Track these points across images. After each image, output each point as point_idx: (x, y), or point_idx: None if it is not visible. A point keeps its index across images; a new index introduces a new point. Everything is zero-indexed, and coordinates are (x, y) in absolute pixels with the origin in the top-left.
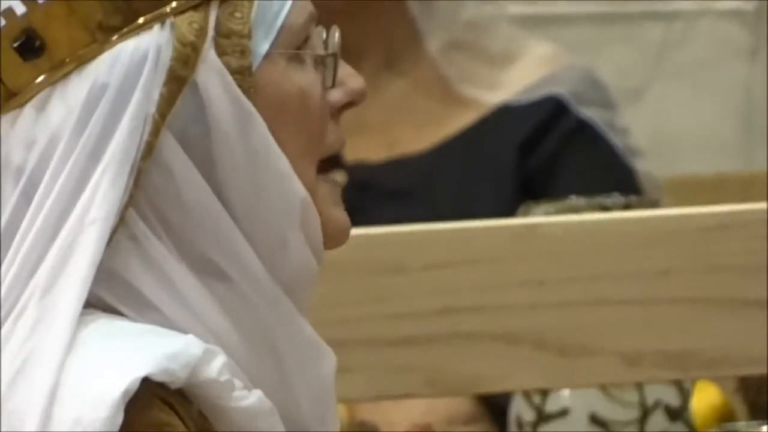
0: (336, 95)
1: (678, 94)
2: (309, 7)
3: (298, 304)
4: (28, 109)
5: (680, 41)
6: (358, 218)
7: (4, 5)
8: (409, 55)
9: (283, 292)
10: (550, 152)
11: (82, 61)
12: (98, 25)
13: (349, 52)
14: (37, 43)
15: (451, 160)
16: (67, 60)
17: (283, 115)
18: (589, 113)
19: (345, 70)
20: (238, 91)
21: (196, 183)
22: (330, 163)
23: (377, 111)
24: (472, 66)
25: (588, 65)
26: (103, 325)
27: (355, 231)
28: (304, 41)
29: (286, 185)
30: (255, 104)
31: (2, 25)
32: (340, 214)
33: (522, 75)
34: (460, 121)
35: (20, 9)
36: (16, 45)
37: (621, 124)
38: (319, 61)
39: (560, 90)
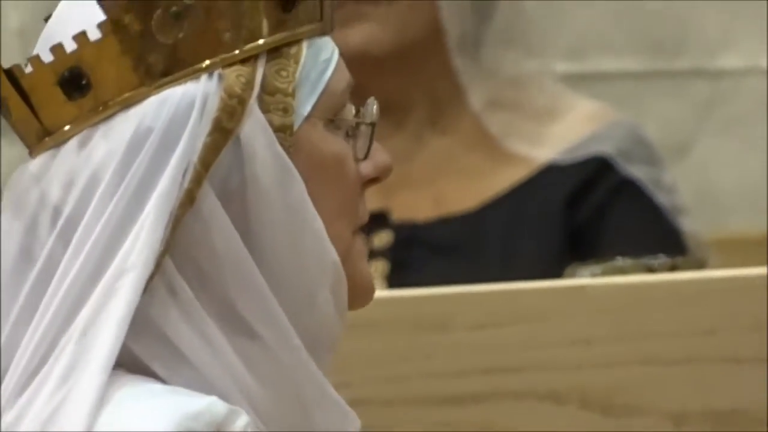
0: (365, 168)
1: (724, 150)
2: (347, 77)
3: (320, 364)
4: (69, 147)
5: (726, 98)
6: (406, 276)
7: (56, 40)
8: (453, 111)
9: (305, 351)
10: (597, 210)
11: (128, 103)
12: (147, 69)
13: (394, 108)
14: (84, 81)
15: (498, 217)
16: (112, 101)
17: (320, 177)
18: (635, 171)
19: (374, 146)
20: (280, 149)
21: (230, 236)
22: (378, 222)
23: (423, 168)
24: (516, 122)
25: (635, 121)
26: (131, 386)
27: (402, 290)
28: (341, 109)
29: (319, 246)
30: (294, 163)
31: (50, 60)
32: (367, 275)
33: (568, 132)
34: (506, 178)
35: (71, 46)
36: (61, 82)
37: (667, 181)
38: (351, 132)
39: (606, 147)
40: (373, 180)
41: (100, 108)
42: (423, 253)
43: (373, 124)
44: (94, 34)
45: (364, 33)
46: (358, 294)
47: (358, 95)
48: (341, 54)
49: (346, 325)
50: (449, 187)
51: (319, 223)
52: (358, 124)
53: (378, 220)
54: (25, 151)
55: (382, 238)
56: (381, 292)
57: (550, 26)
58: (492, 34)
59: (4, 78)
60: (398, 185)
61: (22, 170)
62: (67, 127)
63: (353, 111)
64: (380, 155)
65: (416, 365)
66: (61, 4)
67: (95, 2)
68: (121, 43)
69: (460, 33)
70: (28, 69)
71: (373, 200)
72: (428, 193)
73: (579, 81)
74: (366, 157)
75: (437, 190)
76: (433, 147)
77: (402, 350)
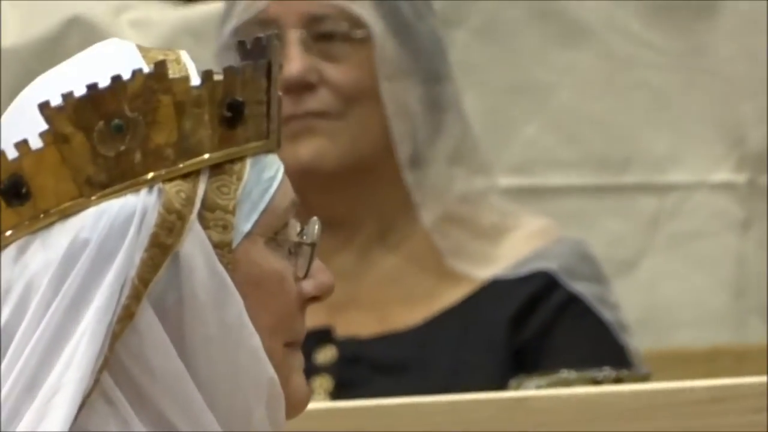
0: (306, 286)
1: (670, 266)
2: (291, 195)
3: None
4: (8, 254)
5: (673, 214)
6: (351, 393)
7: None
8: (402, 228)
9: None
10: (541, 326)
11: (66, 213)
12: (87, 180)
13: (343, 223)
14: (24, 189)
15: (443, 334)
16: (52, 211)
17: (257, 293)
18: (580, 287)
19: (316, 264)
20: (219, 266)
21: (166, 351)
22: (322, 337)
23: (369, 285)
24: (463, 240)
25: (580, 238)
26: None
27: (345, 403)
28: (283, 227)
29: (255, 362)
30: (233, 279)
31: None
32: (301, 384)
33: (513, 249)
34: (452, 295)
35: (13, 153)
36: (2, 189)
37: (612, 299)
38: (293, 251)
39: (551, 264)
40: (313, 299)
41: (40, 216)
42: (367, 369)
43: (313, 245)
44: (36, 142)
45: (314, 148)
46: (292, 405)
47: (306, 210)
48: (289, 169)
49: None
50: (394, 304)
51: (256, 341)
52: (299, 244)
53: (322, 336)
54: None
55: (327, 354)
56: (325, 404)
57: (497, 141)
58: (440, 151)
59: None
60: (343, 302)
61: None
62: (7, 233)
63: (297, 228)
64: (322, 274)
65: None
66: (24, 92)
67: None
68: (61, 153)
69: (410, 149)
70: None
71: (317, 316)
72: (373, 309)
73: (526, 195)
74: (306, 275)
75: (382, 307)
76: (380, 265)
77: None
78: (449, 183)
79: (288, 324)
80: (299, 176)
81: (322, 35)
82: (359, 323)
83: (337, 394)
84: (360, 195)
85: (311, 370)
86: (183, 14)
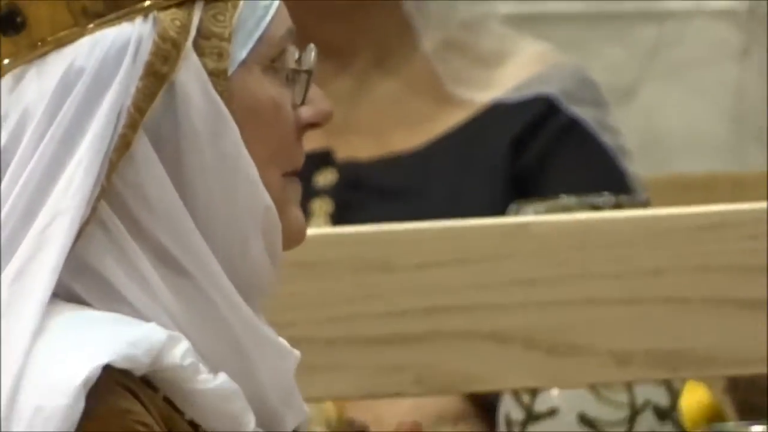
0: (304, 113)
1: (669, 93)
2: (288, 23)
3: (253, 307)
4: (4, 83)
5: (672, 41)
6: (349, 216)
7: None
8: (401, 54)
9: (237, 293)
10: (541, 151)
11: (61, 43)
12: (82, 9)
13: (341, 49)
14: (19, 19)
15: (442, 158)
16: (48, 39)
17: (254, 123)
18: (580, 112)
19: (314, 91)
20: (215, 93)
21: (162, 181)
22: (322, 160)
23: (368, 109)
24: (463, 65)
25: (579, 64)
26: (69, 315)
27: (345, 229)
28: (280, 54)
29: (252, 191)
30: (228, 108)
31: None
32: (298, 216)
33: (513, 74)
34: (452, 120)
35: None
36: None
37: (612, 123)
38: (291, 77)
39: (551, 89)
40: (311, 125)
41: (36, 45)
42: (367, 192)
43: (309, 72)
44: None
45: None
46: (289, 237)
47: (304, 38)
48: None
49: (281, 268)
50: (394, 128)
51: (252, 169)
52: (296, 71)
53: (321, 159)
54: None
55: (327, 177)
56: (324, 230)
57: None
58: None
59: None
60: (342, 126)
61: None
62: (5, 62)
63: (296, 56)
64: (320, 101)
65: (359, 304)
66: None
67: None
68: None
69: None
70: None
71: (316, 140)
72: (372, 133)
73: (524, 23)
74: (303, 102)
75: (381, 131)
76: (378, 89)
77: (345, 289)
78: (450, 8)
79: (285, 152)
80: (295, 4)
81: None
82: (359, 146)
83: (336, 216)
84: (358, 21)
85: (311, 193)
86: None
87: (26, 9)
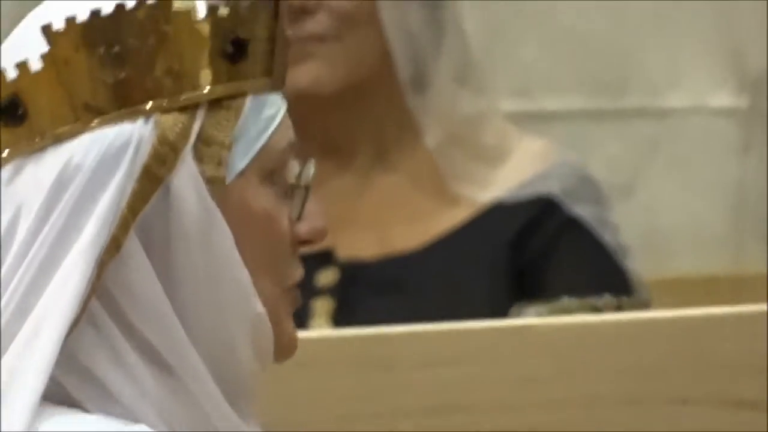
0: (301, 228)
1: (670, 190)
2: (290, 135)
3: (241, 413)
4: (3, 175)
5: (672, 138)
6: (351, 314)
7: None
8: (403, 149)
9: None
10: (542, 249)
11: (60, 138)
12: (84, 105)
13: (343, 145)
14: (20, 110)
15: (444, 256)
16: (47, 134)
17: (248, 231)
18: (581, 210)
19: (311, 207)
20: (210, 200)
21: (150, 280)
22: (324, 259)
23: (369, 206)
24: (465, 163)
25: (579, 161)
26: (59, 420)
27: (346, 329)
28: (280, 167)
29: (242, 298)
30: (223, 215)
31: None
32: (291, 331)
33: (514, 172)
34: (453, 218)
35: (12, 74)
36: None
37: (613, 221)
38: (290, 192)
39: (552, 187)
40: (305, 242)
41: (36, 139)
42: (368, 291)
43: (307, 187)
44: (36, 64)
45: (312, 73)
46: (280, 350)
47: (306, 132)
48: (287, 93)
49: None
50: (395, 226)
51: (244, 274)
52: (294, 185)
53: (323, 258)
54: None
55: (328, 276)
56: (326, 331)
57: (496, 64)
58: (443, 72)
59: None
60: (344, 223)
61: None
62: (4, 153)
63: (297, 170)
64: (316, 218)
65: (362, 404)
66: (28, 17)
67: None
68: (60, 76)
69: (412, 71)
70: None
71: None
72: (374, 231)
73: (525, 119)
74: (300, 218)
75: (383, 228)
76: (380, 185)
77: (347, 389)
78: (453, 104)
79: (280, 265)
80: (297, 100)
81: None
82: (360, 244)
83: (338, 314)
84: (359, 117)
85: (313, 292)
86: None
87: (28, 100)
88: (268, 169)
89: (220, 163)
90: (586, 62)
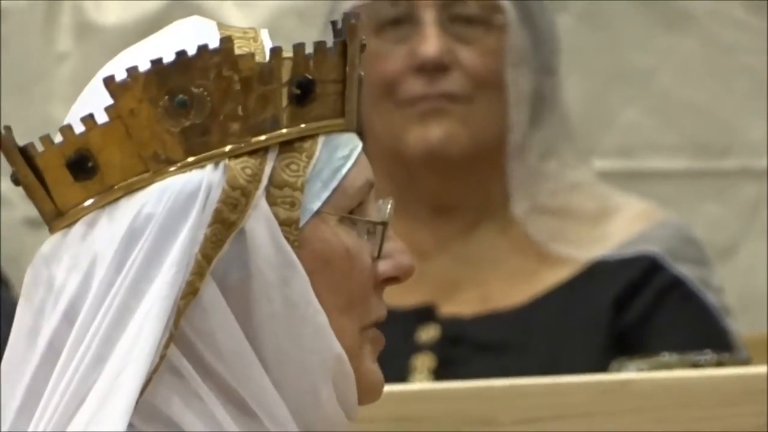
0: (383, 267)
1: None
2: (368, 173)
3: None
4: (76, 229)
5: None
6: (451, 371)
7: (67, 122)
8: (503, 212)
9: None
10: (644, 309)
11: (131, 189)
12: (153, 156)
13: (448, 205)
14: (90, 164)
15: (545, 315)
16: (118, 186)
17: (326, 272)
18: (684, 270)
19: (396, 245)
20: (284, 242)
21: (231, 328)
22: (424, 315)
23: (471, 265)
24: (563, 227)
25: (682, 221)
26: None
27: (448, 384)
28: (358, 205)
29: (321, 340)
30: (299, 257)
31: (59, 141)
32: (374, 374)
33: (617, 231)
34: (554, 276)
35: (79, 128)
36: (69, 164)
37: (715, 281)
38: (371, 230)
39: (655, 247)
40: (390, 279)
41: (107, 191)
42: (469, 348)
43: (384, 224)
44: (102, 117)
45: (445, 130)
46: (364, 391)
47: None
48: (417, 149)
49: (356, 418)
50: (497, 284)
51: (322, 318)
52: (374, 224)
53: (425, 314)
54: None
55: (429, 333)
56: (427, 385)
57: (598, 125)
58: (535, 144)
59: (19, 157)
60: (446, 281)
61: (39, 251)
62: (76, 209)
63: (379, 208)
64: (401, 256)
65: None
66: (98, 75)
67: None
68: (126, 128)
69: (520, 138)
70: (40, 148)
71: (420, 294)
72: (475, 289)
73: (626, 179)
74: (379, 256)
75: (485, 286)
76: (483, 246)
77: None
78: (539, 178)
79: (360, 304)
80: (426, 157)
81: (461, 17)
82: (462, 302)
83: (438, 371)
84: (475, 180)
85: (414, 348)
86: None
87: (97, 154)
88: (346, 207)
89: (293, 205)
90: (688, 123)
